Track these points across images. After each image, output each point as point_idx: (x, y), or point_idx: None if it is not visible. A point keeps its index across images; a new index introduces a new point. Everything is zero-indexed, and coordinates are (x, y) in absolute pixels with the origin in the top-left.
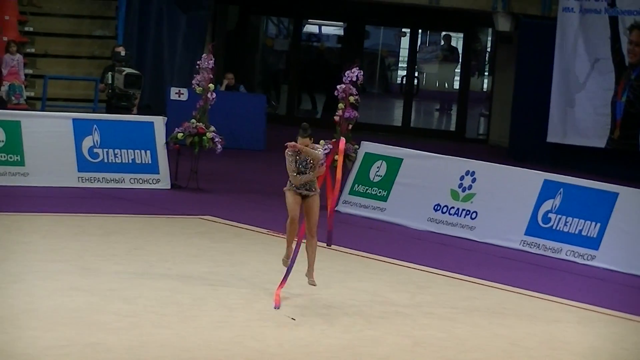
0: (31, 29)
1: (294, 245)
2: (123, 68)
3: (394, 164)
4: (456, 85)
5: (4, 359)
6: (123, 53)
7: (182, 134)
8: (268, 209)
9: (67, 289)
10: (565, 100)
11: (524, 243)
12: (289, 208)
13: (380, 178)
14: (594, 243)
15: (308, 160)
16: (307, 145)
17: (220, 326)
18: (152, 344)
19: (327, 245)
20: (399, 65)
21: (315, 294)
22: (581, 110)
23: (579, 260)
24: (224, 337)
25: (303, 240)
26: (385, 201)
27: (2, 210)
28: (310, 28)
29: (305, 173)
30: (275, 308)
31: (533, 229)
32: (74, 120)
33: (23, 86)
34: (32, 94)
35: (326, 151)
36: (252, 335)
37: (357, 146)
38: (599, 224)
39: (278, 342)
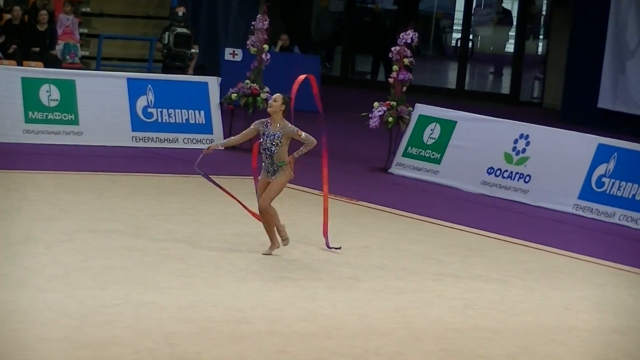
0: None
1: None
2: (176, 28)
3: (448, 127)
4: (510, 48)
5: (57, 317)
6: (181, 13)
7: (236, 95)
8: (320, 170)
9: (121, 248)
10: (616, 67)
11: (577, 207)
12: (257, 195)
13: (433, 141)
14: None
15: (276, 135)
16: (277, 112)
17: (273, 286)
18: (205, 304)
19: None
20: (454, 27)
21: (369, 255)
22: (631, 78)
23: (632, 225)
24: (276, 297)
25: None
26: (439, 164)
27: (56, 169)
28: None
29: (271, 151)
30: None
31: (586, 193)
32: (129, 79)
33: (78, 45)
34: (87, 54)
35: (380, 113)
36: (304, 295)
37: (410, 108)
38: None
39: (331, 302)
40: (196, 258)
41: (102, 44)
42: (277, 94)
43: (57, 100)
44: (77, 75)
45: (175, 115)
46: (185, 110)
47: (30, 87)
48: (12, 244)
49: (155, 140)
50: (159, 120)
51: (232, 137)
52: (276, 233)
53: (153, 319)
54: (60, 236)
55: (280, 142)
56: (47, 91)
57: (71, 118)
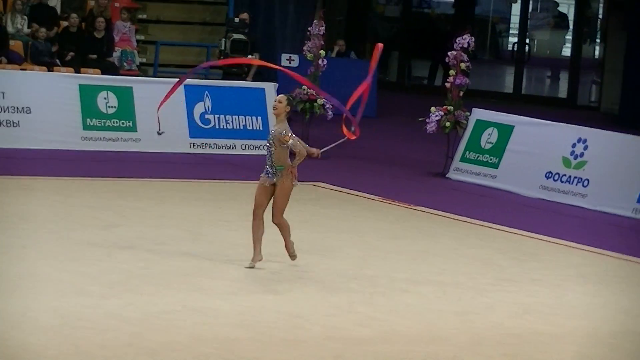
0: None
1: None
2: (233, 34)
3: (505, 131)
4: (567, 52)
5: (117, 324)
6: (237, 20)
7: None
8: (379, 176)
9: (179, 254)
10: None
11: (636, 211)
12: (255, 198)
13: (491, 145)
14: None
15: (271, 135)
16: (281, 114)
17: (330, 292)
18: (261, 309)
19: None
20: (510, 31)
21: (427, 260)
22: None
23: None
24: (333, 302)
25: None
26: (497, 168)
27: (115, 175)
28: None
29: (269, 151)
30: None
31: None
32: (186, 86)
33: (135, 52)
34: (144, 60)
35: (437, 118)
36: (362, 300)
37: (468, 113)
38: None
39: (388, 307)
40: (255, 265)
41: (159, 50)
42: (281, 95)
43: (114, 107)
44: (134, 82)
45: (232, 121)
46: (242, 117)
47: (88, 94)
48: (72, 251)
49: (212, 146)
50: (216, 127)
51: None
52: (261, 246)
53: (211, 325)
54: (120, 242)
55: (273, 144)
56: (105, 98)
57: (129, 125)
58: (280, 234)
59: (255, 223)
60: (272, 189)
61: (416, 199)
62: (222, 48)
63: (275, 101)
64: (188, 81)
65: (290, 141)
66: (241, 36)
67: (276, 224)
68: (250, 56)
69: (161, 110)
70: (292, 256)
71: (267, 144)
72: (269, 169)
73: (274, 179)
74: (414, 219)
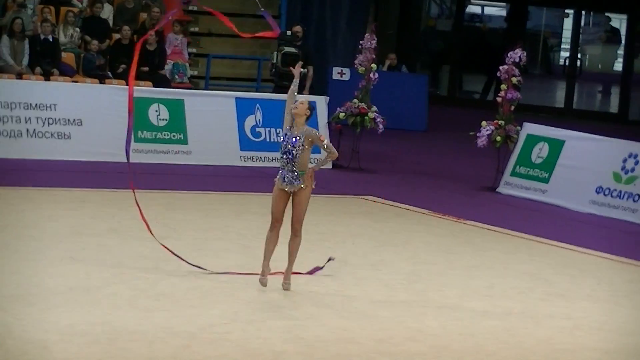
0: (195, 8)
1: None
2: (284, 47)
3: (556, 146)
4: (619, 67)
5: (165, 336)
6: (289, 33)
7: (344, 114)
8: (430, 190)
9: (228, 267)
10: None
11: None
12: (272, 208)
13: (542, 160)
14: None
15: (298, 138)
16: (301, 116)
17: (381, 306)
18: (311, 323)
19: None
20: (562, 46)
21: (477, 275)
22: None
23: None
24: (384, 316)
25: None
26: (547, 183)
27: (165, 187)
28: (473, 8)
29: (292, 155)
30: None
31: None
32: (237, 99)
33: (187, 65)
34: (196, 73)
35: (488, 132)
36: (413, 315)
37: (519, 128)
38: None
39: (439, 322)
40: (304, 277)
41: (211, 63)
42: (304, 98)
43: (166, 119)
44: (185, 94)
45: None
46: None
47: (139, 107)
48: (122, 263)
49: (263, 159)
50: (267, 140)
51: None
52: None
53: (261, 338)
54: (168, 255)
55: (302, 146)
56: (156, 111)
57: (180, 137)
58: (280, 250)
59: (271, 235)
60: (288, 196)
61: (466, 213)
62: (274, 61)
63: (297, 102)
64: (239, 94)
65: (326, 140)
66: (292, 49)
67: (294, 237)
68: (303, 70)
69: (212, 122)
70: (286, 283)
71: (291, 148)
72: (288, 175)
73: (295, 186)
74: (465, 233)
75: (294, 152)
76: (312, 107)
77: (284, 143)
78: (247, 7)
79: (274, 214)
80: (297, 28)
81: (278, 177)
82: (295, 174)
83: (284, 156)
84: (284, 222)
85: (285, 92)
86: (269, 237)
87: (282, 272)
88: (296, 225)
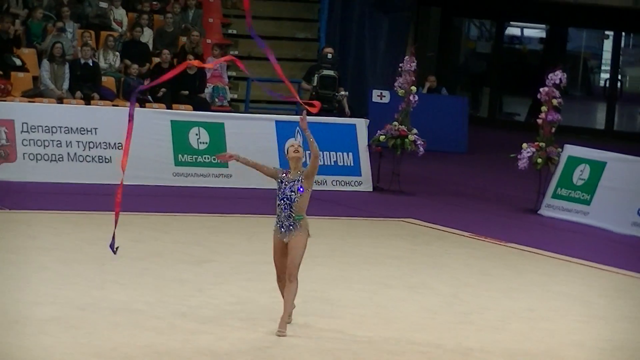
0: (234, 32)
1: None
2: (323, 70)
3: (598, 168)
4: None
5: (209, 359)
6: (330, 55)
7: (384, 136)
8: (470, 212)
9: (271, 290)
10: None
11: None
12: (274, 260)
13: (583, 182)
14: None
15: (297, 180)
16: (300, 147)
17: (421, 328)
18: (352, 345)
19: None
20: (602, 67)
21: (517, 297)
22: None
23: None
24: (424, 339)
25: None
26: (589, 205)
27: (206, 211)
28: (512, 30)
29: (291, 200)
30: None
31: None
32: (277, 122)
33: (227, 88)
34: (236, 96)
35: (529, 154)
36: (453, 337)
37: (560, 149)
38: None
39: (480, 344)
40: (343, 299)
41: (251, 86)
42: (296, 142)
43: (206, 143)
44: (225, 117)
45: (323, 157)
46: (334, 152)
47: (179, 130)
48: (163, 287)
49: None
50: (307, 162)
51: (255, 161)
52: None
53: (301, 358)
54: (211, 278)
55: (301, 189)
56: (197, 134)
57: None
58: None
59: (281, 285)
60: (286, 246)
61: (507, 235)
62: (314, 84)
63: (293, 146)
64: (279, 117)
65: (313, 139)
66: (331, 72)
67: (289, 283)
68: (342, 92)
69: (252, 145)
70: (281, 331)
71: (290, 193)
72: (283, 222)
73: (293, 233)
74: (505, 255)
75: (292, 196)
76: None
77: (281, 191)
78: (284, 30)
79: (277, 267)
80: (329, 49)
81: (275, 226)
82: (293, 220)
83: (283, 203)
84: None
85: (324, 115)
86: (279, 285)
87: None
88: (291, 269)
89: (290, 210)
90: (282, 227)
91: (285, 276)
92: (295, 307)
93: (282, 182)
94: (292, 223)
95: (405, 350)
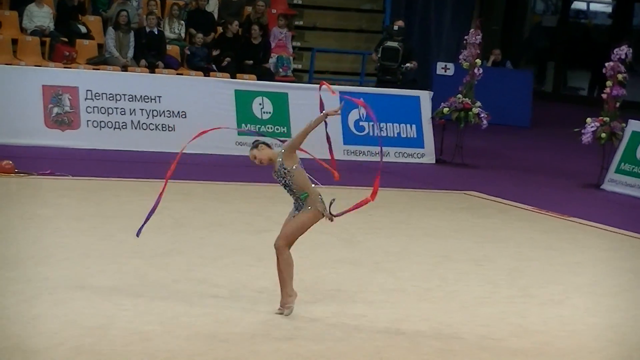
0: (300, 2)
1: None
2: (387, 42)
3: None
4: None
5: (267, 330)
6: (396, 27)
7: (447, 109)
8: (533, 186)
9: (333, 262)
10: None
11: None
12: (298, 238)
13: None
14: None
15: (280, 166)
16: (255, 158)
17: (484, 302)
18: (415, 318)
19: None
20: None
21: (580, 272)
22: None
23: None
24: (486, 312)
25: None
26: None
27: (268, 181)
28: (579, 5)
29: (289, 186)
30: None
31: None
32: (341, 93)
33: (291, 58)
34: (300, 67)
35: (593, 129)
36: (515, 311)
37: (624, 124)
38: None
39: (541, 319)
40: (406, 272)
41: (315, 57)
42: (250, 152)
43: (269, 112)
44: (289, 88)
45: (386, 129)
46: (397, 124)
47: (243, 100)
48: (224, 256)
49: (366, 153)
50: (371, 134)
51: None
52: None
53: (364, 333)
54: (271, 248)
55: (287, 170)
56: (260, 104)
57: (283, 131)
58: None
59: (277, 263)
60: None
61: (570, 209)
62: (379, 55)
63: (254, 158)
64: (342, 88)
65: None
66: (394, 44)
67: (276, 249)
68: (408, 65)
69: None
70: (288, 307)
71: (283, 181)
72: (295, 204)
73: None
74: (568, 229)
75: (286, 180)
76: (266, 143)
77: (278, 181)
78: (349, 1)
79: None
80: (400, 22)
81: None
82: (300, 201)
83: (286, 190)
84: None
85: (387, 86)
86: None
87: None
88: (281, 237)
89: (292, 193)
90: (296, 207)
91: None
92: (297, 296)
93: (275, 171)
94: (300, 204)
95: (467, 323)
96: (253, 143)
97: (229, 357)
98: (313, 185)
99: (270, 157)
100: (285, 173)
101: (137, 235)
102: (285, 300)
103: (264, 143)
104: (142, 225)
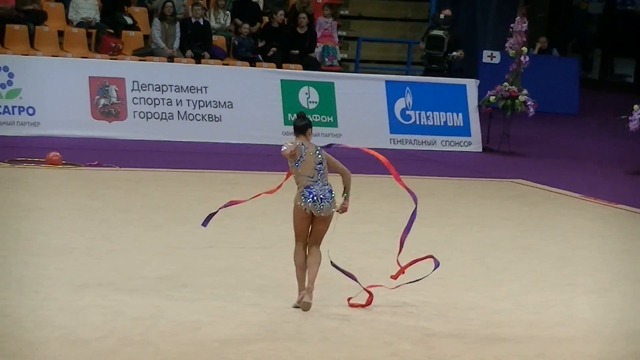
0: None
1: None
2: (432, 31)
3: None
4: None
5: (318, 317)
6: (442, 16)
7: (494, 97)
8: (580, 173)
9: (376, 250)
10: None
11: None
12: (295, 231)
13: None
14: None
15: (317, 152)
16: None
17: (530, 290)
18: (462, 306)
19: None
20: None
21: (629, 259)
22: None
23: None
24: (534, 301)
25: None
26: None
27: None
28: None
29: (321, 165)
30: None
31: None
32: (387, 82)
33: (337, 48)
34: (346, 56)
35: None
36: (562, 299)
37: None
38: None
39: (589, 306)
40: (452, 261)
41: (361, 46)
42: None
43: (316, 102)
44: (335, 77)
45: (433, 117)
46: (443, 113)
47: (289, 90)
48: (271, 246)
49: (412, 142)
50: (417, 123)
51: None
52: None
53: (411, 320)
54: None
55: (322, 157)
56: (306, 93)
57: (330, 120)
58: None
59: (299, 259)
60: (311, 217)
61: (618, 197)
62: (425, 44)
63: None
64: (389, 77)
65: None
66: (439, 32)
67: (311, 254)
68: (455, 53)
69: (362, 105)
70: (306, 304)
71: (318, 163)
72: (317, 193)
73: (329, 208)
74: (616, 217)
75: (319, 168)
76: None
77: (305, 161)
78: (394, 12)
79: (298, 237)
80: (447, 11)
81: (303, 198)
82: (327, 189)
83: (316, 169)
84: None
85: (434, 75)
86: (297, 260)
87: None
88: (317, 241)
89: (322, 182)
90: (315, 198)
91: (309, 245)
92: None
93: (302, 155)
94: (328, 193)
95: (514, 311)
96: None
97: (277, 346)
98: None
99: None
100: (320, 161)
101: (204, 225)
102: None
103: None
104: (211, 215)
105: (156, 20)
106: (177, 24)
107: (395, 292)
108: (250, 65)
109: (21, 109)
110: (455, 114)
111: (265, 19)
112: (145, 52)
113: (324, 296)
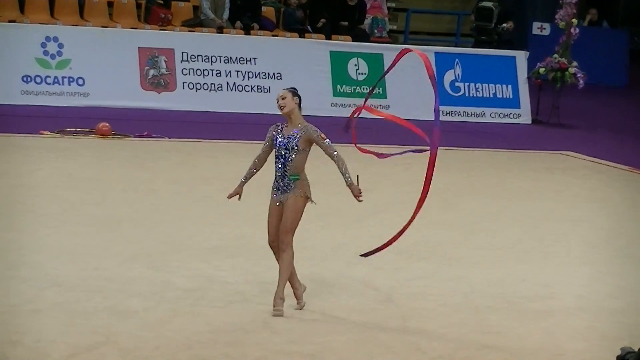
0: None
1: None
2: (483, 2)
3: None
4: None
5: (364, 289)
6: None
7: (544, 69)
8: (630, 146)
9: (430, 223)
10: None
11: None
12: (267, 223)
13: None
14: None
15: (292, 138)
16: (284, 98)
17: (579, 262)
18: (513, 279)
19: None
20: None
21: None
22: None
23: None
24: (584, 273)
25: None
26: None
27: (363, 142)
28: None
29: (284, 159)
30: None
31: None
32: (436, 53)
33: (386, 19)
34: (395, 28)
35: None
36: (613, 272)
37: None
38: None
39: None
40: (505, 232)
41: (410, 18)
42: (282, 90)
43: (364, 74)
44: (384, 49)
45: (482, 89)
46: (493, 85)
47: (338, 61)
48: (322, 215)
49: (462, 114)
50: (466, 95)
51: (249, 169)
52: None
53: (462, 293)
54: (367, 209)
55: (297, 147)
56: (355, 65)
57: (379, 92)
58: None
59: (280, 259)
60: (282, 209)
61: None
62: (474, 15)
63: (278, 99)
64: (438, 48)
65: (327, 141)
66: (489, 4)
67: (280, 245)
68: (504, 25)
69: (411, 77)
70: (277, 310)
71: (283, 152)
72: (279, 183)
73: (287, 195)
74: None
75: (286, 155)
76: (297, 93)
77: (277, 148)
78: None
79: (270, 232)
80: None
81: (272, 189)
82: (287, 179)
83: (277, 161)
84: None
85: (483, 47)
86: (274, 252)
87: None
88: (282, 235)
89: (284, 171)
90: (278, 187)
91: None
92: (306, 289)
93: (276, 139)
94: (286, 184)
95: (565, 283)
96: (293, 89)
97: (326, 317)
98: (409, 152)
99: (293, 114)
100: (293, 147)
101: (365, 255)
102: (300, 292)
103: (299, 98)
104: (374, 252)
105: None
106: None
107: (444, 264)
108: (300, 37)
109: (71, 79)
110: (504, 86)
111: None
112: (195, 22)
113: (375, 270)
